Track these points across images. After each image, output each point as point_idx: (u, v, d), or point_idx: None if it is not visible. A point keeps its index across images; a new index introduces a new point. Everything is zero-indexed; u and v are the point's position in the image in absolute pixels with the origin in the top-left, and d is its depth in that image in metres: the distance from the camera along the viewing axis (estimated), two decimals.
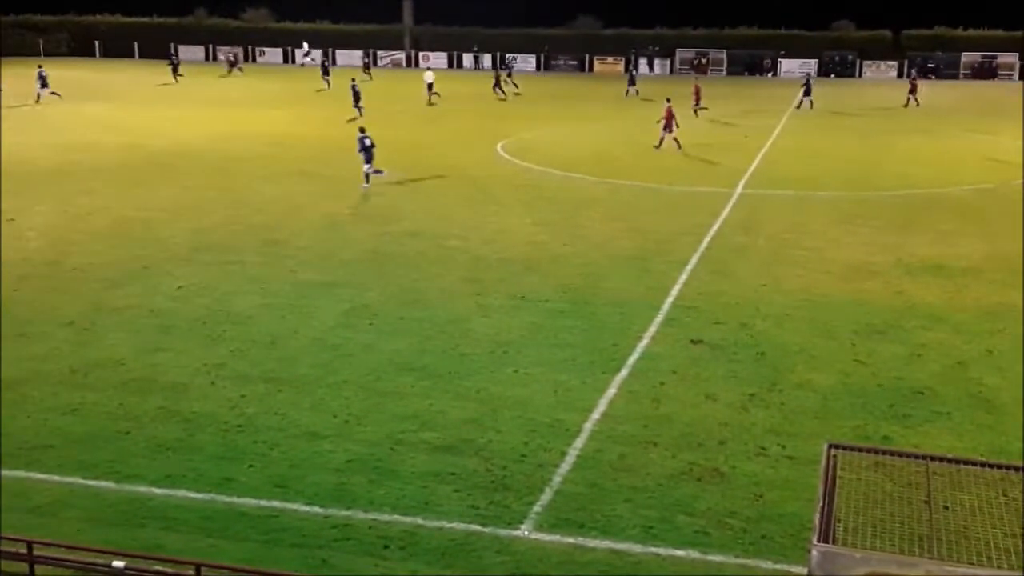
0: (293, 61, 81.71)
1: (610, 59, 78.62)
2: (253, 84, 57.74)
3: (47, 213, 25.74)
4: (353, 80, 49.57)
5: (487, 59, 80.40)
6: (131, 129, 41.31)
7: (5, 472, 11.92)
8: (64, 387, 14.53)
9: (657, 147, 37.33)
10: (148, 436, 12.96)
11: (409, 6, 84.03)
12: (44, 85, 50.77)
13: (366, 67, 71.33)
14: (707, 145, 39.36)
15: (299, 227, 24.48)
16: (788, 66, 76.68)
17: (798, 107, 52.87)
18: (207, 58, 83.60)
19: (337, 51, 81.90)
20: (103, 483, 11.72)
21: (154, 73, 68.41)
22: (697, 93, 49.00)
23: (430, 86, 54.67)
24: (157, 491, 11.55)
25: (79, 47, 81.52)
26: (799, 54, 77.06)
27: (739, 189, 29.92)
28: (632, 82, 59.21)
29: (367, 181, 29.68)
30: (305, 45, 78.30)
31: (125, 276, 20.15)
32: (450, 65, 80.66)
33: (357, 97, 46.43)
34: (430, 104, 53.41)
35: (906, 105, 54.00)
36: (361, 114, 44.40)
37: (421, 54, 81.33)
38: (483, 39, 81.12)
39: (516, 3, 79.78)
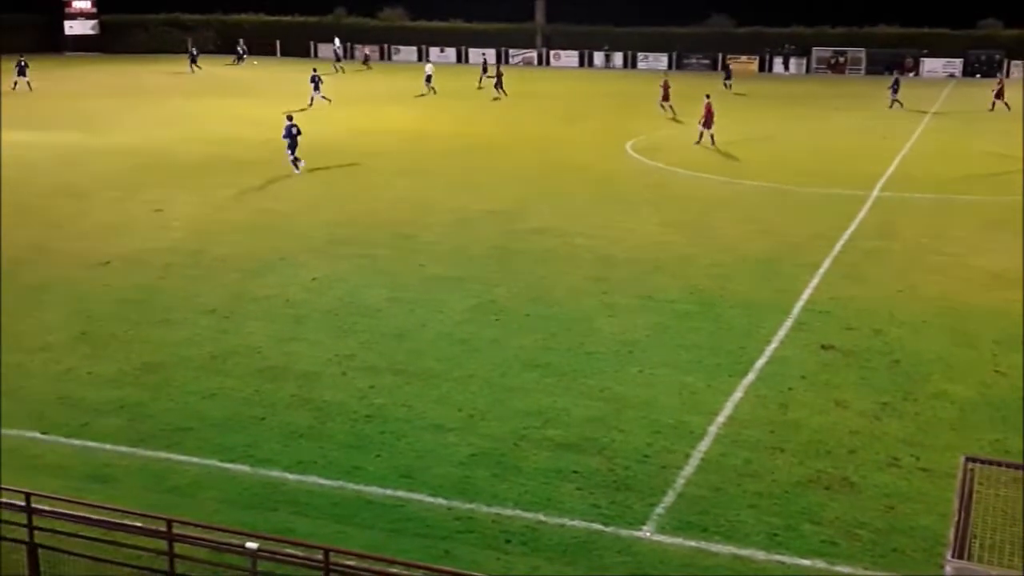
0: (427, 59, 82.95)
1: (743, 58, 77.27)
2: (388, 81, 58.90)
3: (191, 204, 26.80)
4: (315, 70, 51.57)
5: (618, 57, 79.98)
6: (271, 125, 42.52)
7: (148, 452, 12.53)
8: (204, 372, 15.14)
9: (697, 142, 37.52)
10: (282, 422, 13.40)
11: (542, 5, 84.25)
12: (22, 73, 54.82)
13: (366, 59, 77.45)
14: (842, 146, 38.41)
15: (429, 222, 24.87)
16: (931, 65, 73.96)
17: (890, 107, 50.95)
18: (345, 55, 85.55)
19: (470, 49, 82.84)
20: (239, 466, 12.18)
21: (293, 70, 70.41)
22: (665, 89, 48.08)
23: (428, 78, 56.74)
24: (289, 476, 11.93)
25: (225, 45, 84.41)
26: (943, 53, 74.23)
27: (875, 192, 29.09)
28: (728, 76, 62.31)
29: (296, 167, 31.11)
30: (336, 41, 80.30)
31: (263, 267, 20.84)
32: (581, 64, 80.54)
33: (317, 87, 48.80)
34: (421, 95, 55.19)
35: (992, 109, 50.15)
36: (311, 104, 47.31)
37: (471, 50, 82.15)
38: (614, 38, 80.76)
39: (648, 1, 79.07)
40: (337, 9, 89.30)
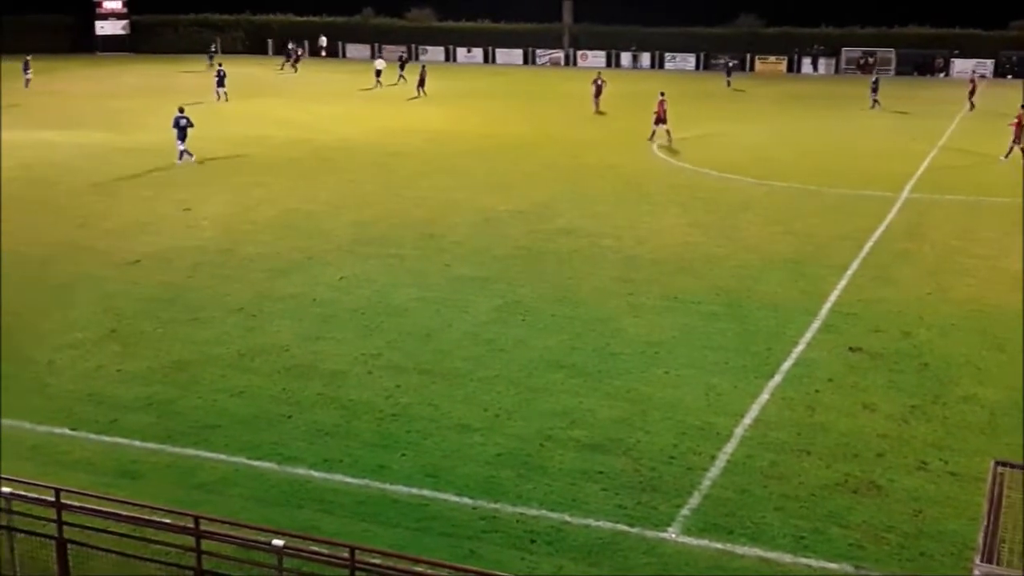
0: (455, 59, 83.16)
1: (772, 58, 76.92)
2: (415, 81, 59.00)
3: (221, 203, 26.96)
4: (220, 64, 53.30)
5: (646, 58, 79.81)
6: (298, 124, 42.76)
7: (176, 449, 12.65)
8: (232, 370, 15.24)
9: (650, 139, 37.93)
10: (308, 420, 13.47)
11: (569, 5, 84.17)
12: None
13: (296, 60, 74.65)
14: (872, 147, 38.15)
15: (455, 222, 24.91)
16: (961, 66, 73.28)
17: (871, 107, 50.61)
18: (373, 56, 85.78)
19: (497, 49, 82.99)
20: (266, 464, 12.26)
21: (320, 70, 70.70)
22: (598, 88, 48.47)
23: (378, 72, 58.85)
24: (315, 474, 11.99)
25: (253, 45, 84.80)
26: (974, 54, 73.58)
27: (905, 193, 28.87)
28: (728, 74, 64.39)
29: (180, 158, 32.24)
30: (323, 39, 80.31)
31: (291, 266, 20.94)
32: (608, 64, 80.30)
33: (221, 82, 50.32)
34: (370, 88, 57.14)
35: (971, 109, 50.13)
36: (219, 99, 49.45)
37: (405, 48, 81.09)
38: (642, 38, 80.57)
39: (676, 1, 78.73)
40: (365, 10, 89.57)
